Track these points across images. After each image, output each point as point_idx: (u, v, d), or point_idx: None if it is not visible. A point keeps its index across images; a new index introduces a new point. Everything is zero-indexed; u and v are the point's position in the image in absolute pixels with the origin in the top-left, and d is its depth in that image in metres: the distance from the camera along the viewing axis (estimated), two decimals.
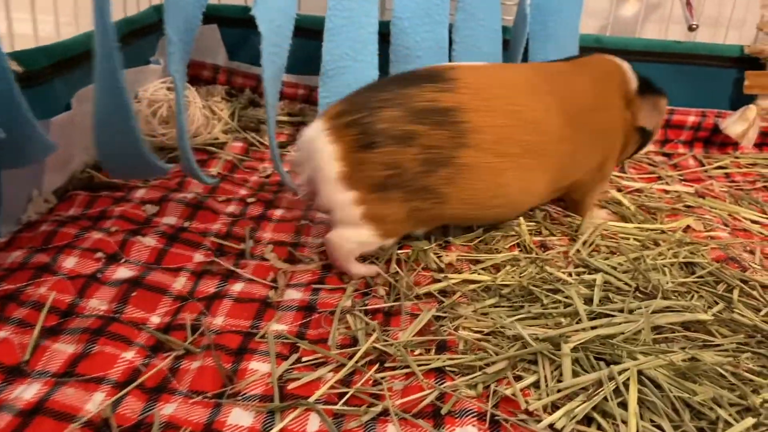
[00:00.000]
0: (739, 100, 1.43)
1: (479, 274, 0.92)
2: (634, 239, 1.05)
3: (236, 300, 0.84)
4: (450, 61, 1.27)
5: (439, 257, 0.97)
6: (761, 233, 1.12)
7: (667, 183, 1.29)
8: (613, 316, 0.80)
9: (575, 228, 1.06)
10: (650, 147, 1.48)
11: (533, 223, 1.08)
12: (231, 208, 1.07)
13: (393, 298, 0.86)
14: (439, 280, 0.91)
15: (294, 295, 0.87)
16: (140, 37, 1.33)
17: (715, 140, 1.48)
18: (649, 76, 1.35)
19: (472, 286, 0.89)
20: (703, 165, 1.39)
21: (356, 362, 0.73)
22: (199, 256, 0.93)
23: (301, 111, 1.49)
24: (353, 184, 0.84)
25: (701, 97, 1.46)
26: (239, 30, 1.51)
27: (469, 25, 1.25)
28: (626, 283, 0.88)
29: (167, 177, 1.14)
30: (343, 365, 0.73)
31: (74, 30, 1.22)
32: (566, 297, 0.85)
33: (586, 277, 0.90)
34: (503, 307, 0.85)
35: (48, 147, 0.84)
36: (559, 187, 1.01)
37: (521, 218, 1.06)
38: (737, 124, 1.40)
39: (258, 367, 0.73)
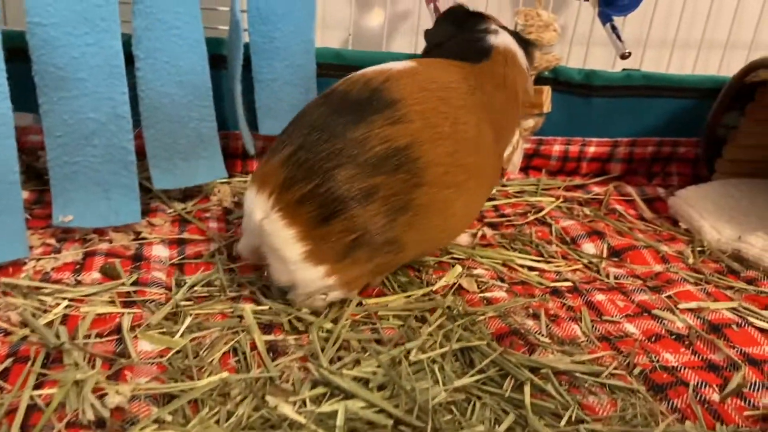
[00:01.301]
0: None
1: (163, 424, 0.58)
2: (394, 316, 0.78)
3: None
4: (135, 82, 0.91)
5: (102, 396, 0.60)
6: (541, 284, 0.92)
7: None
8: None
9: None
10: None
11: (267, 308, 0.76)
12: None
13: None
14: None
15: None
16: None
17: None
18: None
19: None
20: None
21: None
22: None
23: None
24: (319, 259, 0.73)
25: None
26: None
27: (156, 35, 0.90)
28: (383, 411, 0.60)
29: None
30: None
31: None
32: None
33: (327, 408, 0.59)
34: None
35: None
36: None
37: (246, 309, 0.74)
38: None
39: None
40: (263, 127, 1.10)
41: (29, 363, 0.64)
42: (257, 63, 1.07)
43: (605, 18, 1.21)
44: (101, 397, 0.60)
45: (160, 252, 0.90)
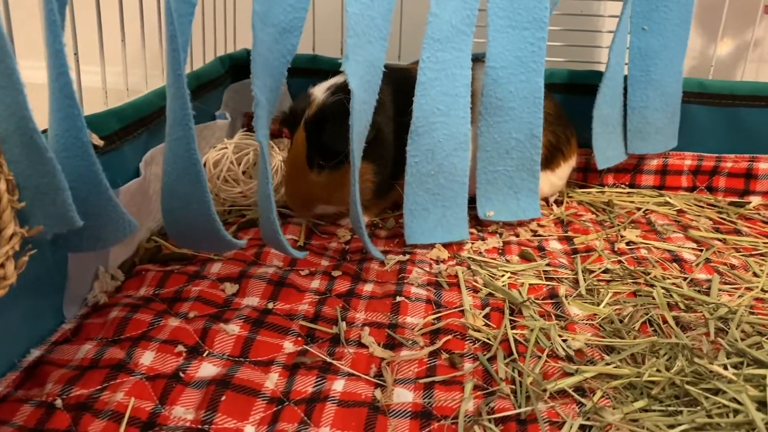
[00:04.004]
0: None
1: (617, 366, 0.79)
2: None
3: (340, 404, 0.72)
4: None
5: (564, 341, 0.84)
6: None
7: None
8: None
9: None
10: (759, 200, 1.35)
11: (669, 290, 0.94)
12: (315, 284, 0.96)
13: (522, 398, 0.73)
14: (570, 373, 0.78)
15: (404, 395, 0.74)
16: (207, 91, 1.25)
17: None
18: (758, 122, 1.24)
19: (614, 383, 0.76)
20: None
21: None
22: (288, 345, 0.82)
23: None
24: None
25: None
26: (307, 80, 1.41)
27: None
28: None
29: (243, 248, 1.03)
30: None
31: (140, 79, 1.14)
32: (731, 400, 0.71)
33: (749, 371, 0.76)
34: (655, 411, 0.72)
35: (130, 227, 0.74)
36: None
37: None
38: None
39: None
40: (632, 146, 1.28)
41: (502, 312, 0.90)
42: (632, 92, 1.26)
43: None
44: (564, 341, 0.84)
45: (555, 245, 1.13)
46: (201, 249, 0.98)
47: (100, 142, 0.84)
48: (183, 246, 0.97)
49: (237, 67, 1.41)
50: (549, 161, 1.21)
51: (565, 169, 1.27)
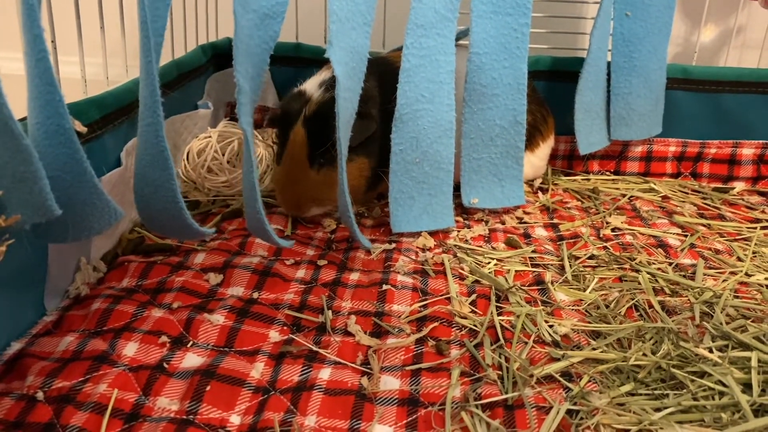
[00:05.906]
0: None
1: (603, 351, 0.79)
2: None
3: (326, 392, 0.71)
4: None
5: (551, 326, 0.84)
6: None
7: None
8: None
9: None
10: (742, 186, 1.36)
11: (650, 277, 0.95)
12: (301, 273, 0.95)
13: (509, 384, 0.73)
14: (557, 359, 0.78)
15: (391, 382, 0.74)
16: (189, 80, 1.23)
17: None
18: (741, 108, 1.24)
19: (600, 368, 0.76)
20: None
21: None
22: (274, 334, 0.81)
23: None
24: None
25: None
26: (290, 69, 1.40)
27: None
28: None
29: (227, 238, 1.02)
30: None
31: (121, 71, 1.12)
32: (717, 382, 0.71)
33: (734, 354, 0.76)
34: (641, 394, 0.72)
35: (115, 215, 0.72)
36: None
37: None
38: None
39: None
40: (616, 133, 1.28)
41: (488, 299, 0.90)
42: (616, 79, 1.25)
43: None
44: (550, 326, 0.83)
45: (541, 232, 1.13)
46: (171, 235, 0.96)
47: (83, 129, 0.82)
48: (155, 231, 0.96)
49: (219, 56, 1.40)
50: (528, 142, 1.21)
51: (544, 150, 1.27)
